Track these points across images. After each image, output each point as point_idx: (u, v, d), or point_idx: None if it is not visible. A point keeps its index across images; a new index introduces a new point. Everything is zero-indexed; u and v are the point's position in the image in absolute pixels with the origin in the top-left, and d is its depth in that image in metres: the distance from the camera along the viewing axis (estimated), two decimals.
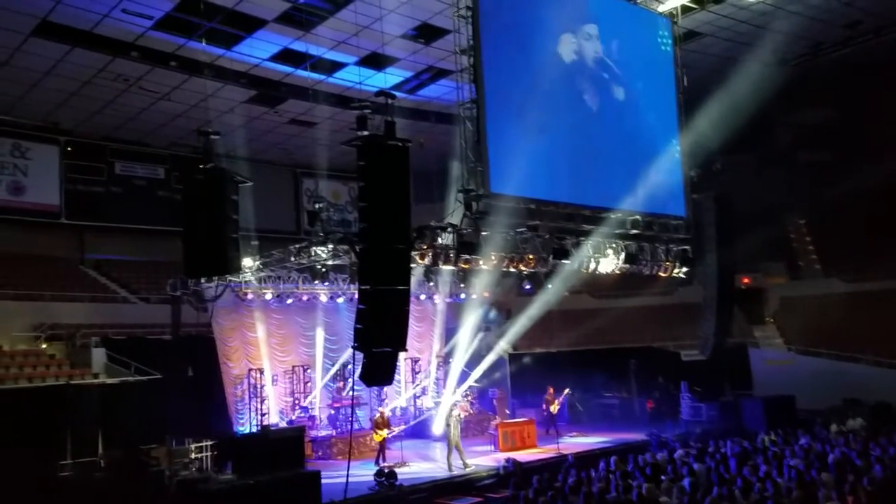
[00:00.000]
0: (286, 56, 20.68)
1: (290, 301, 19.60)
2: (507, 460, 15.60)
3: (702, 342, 19.54)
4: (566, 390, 20.74)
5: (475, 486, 15.06)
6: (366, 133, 12.31)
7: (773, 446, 15.24)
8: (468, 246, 14.60)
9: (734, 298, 20.07)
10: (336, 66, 21.52)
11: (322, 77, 22.02)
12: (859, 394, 20.48)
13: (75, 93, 22.06)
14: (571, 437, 19.93)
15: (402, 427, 19.08)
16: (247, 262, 17.04)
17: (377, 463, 16.26)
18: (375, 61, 21.04)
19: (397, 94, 20.53)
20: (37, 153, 24.77)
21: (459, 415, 17.24)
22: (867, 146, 25.29)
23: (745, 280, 25.43)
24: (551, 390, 20.67)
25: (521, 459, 15.87)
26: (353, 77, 21.90)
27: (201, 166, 13.18)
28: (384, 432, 17.11)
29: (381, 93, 12.65)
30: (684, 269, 19.13)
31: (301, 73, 21.54)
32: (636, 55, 18.53)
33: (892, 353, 21.59)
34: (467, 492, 14.74)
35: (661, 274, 18.96)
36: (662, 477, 12.22)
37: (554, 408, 20.25)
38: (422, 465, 17.16)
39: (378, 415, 17.99)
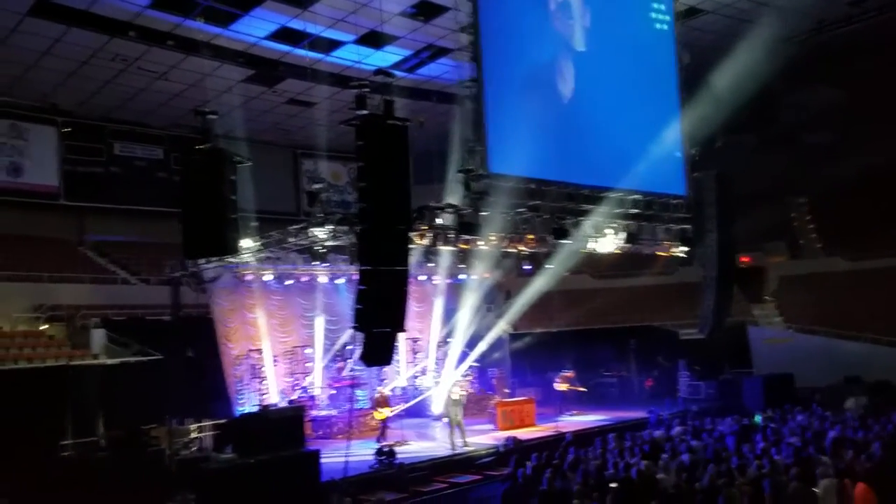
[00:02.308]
0: (284, 34, 20.52)
1: (289, 282, 19.61)
2: (508, 439, 15.67)
3: (701, 321, 19.56)
4: (581, 387, 20.89)
5: (474, 463, 15.16)
6: (365, 112, 12.22)
7: (771, 423, 15.33)
8: (468, 226, 14.56)
9: (734, 277, 20.06)
10: (334, 45, 21.35)
11: (320, 56, 21.86)
12: (859, 372, 20.53)
13: (73, 73, 21.92)
14: (571, 415, 20.02)
15: (403, 406, 19.17)
16: (246, 243, 16.99)
17: (378, 441, 16.34)
18: (374, 40, 20.85)
19: (397, 72, 20.45)
20: (35, 134, 24.65)
21: (461, 394, 17.31)
22: (869, 125, 25.12)
23: (745, 259, 25.39)
24: (570, 373, 20.81)
25: (520, 438, 15.94)
26: (352, 56, 21.76)
27: (199, 147, 13.10)
28: (385, 411, 17.19)
29: (379, 71, 12.61)
30: (684, 249, 19.11)
31: (299, 51, 21.37)
32: (639, 33, 18.38)
33: (892, 331, 21.61)
34: (466, 469, 14.84)
35: (661, 253, 18.96)
36: (662, 455, 12.29)
37: (561, 387, 20.36)
38: (422, 443, 17.26)
39: (378, 394, 18.08)
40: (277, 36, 20.60)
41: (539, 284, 21.41)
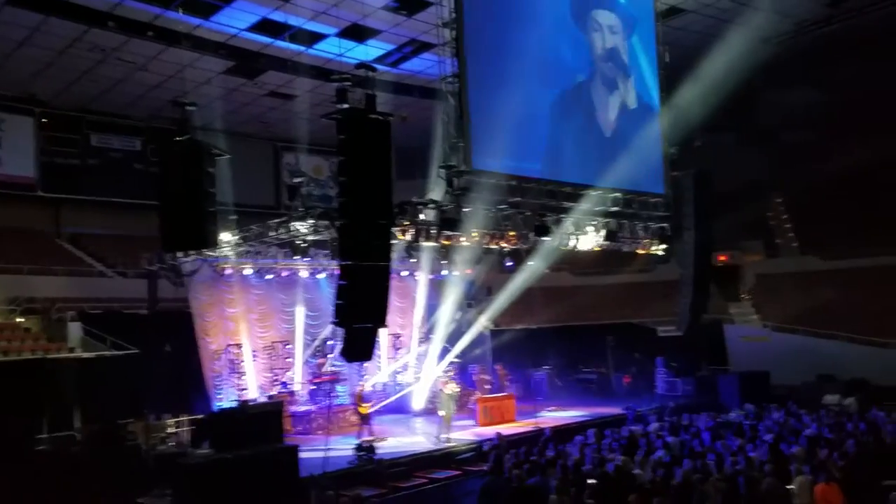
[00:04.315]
0: (265, 26, 20.37)
1: (269, 276, 19.50)
2: (495, 435, 15.68)
3: (679, 319, 19.73)
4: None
5: (454, 459, 15.18)
6: (346, 106, 12.16)
7: (747, 420, 15.52)
8: (450, 222, 14.57)
9: (711, 276, 20.26)
10: (316, 38, 21.25)
11: (302, 49, 21.73)
12: (833, 370, 20.82)
13: (51, 63, 21.64)
14: (549, 411, 20.12)
15: (383, 403, 19.20)
16: (225, 236, 16.89)
17: (359, 437, 16.32)
18: (356, 33, 20.80)
19: (379, 67, 20.37)
20: (11, 124, 24.34)
21: (455, 390, 17.32)
22: (847, 125, 25.47)
23: (722, 257, 25.65)
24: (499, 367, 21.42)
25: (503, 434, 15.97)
26: (334, 49, 21.65)
27: (177, 139, 12.97)
28: (368, 405, 17.21)
29: (361, 65, 12.51)
30: (662, 247, 19.26)
31: (280, 44, 21.26)
32: (620, 31, 18.47)
33: (867, 330, 21.92)
34: (446, 465, 14.85)
35: (640, 251, 19.10)
36: (638, 451, 12.41)
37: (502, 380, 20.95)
38: (402, 439, 17.25)
39: (360, 388, 18.12)
40: (258, 28, 20.45)
41: (520, 281, 21.49)
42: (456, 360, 22.22)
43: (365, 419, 17.04)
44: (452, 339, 22.24)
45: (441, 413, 16.63)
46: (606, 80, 18.00)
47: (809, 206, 27.17)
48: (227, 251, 17.62)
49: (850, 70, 24.74)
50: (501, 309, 23.41)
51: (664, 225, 19.06)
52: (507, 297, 22.24)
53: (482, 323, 24.17)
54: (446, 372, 21.18)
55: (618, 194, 17.71)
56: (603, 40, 17.83)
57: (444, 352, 21.84)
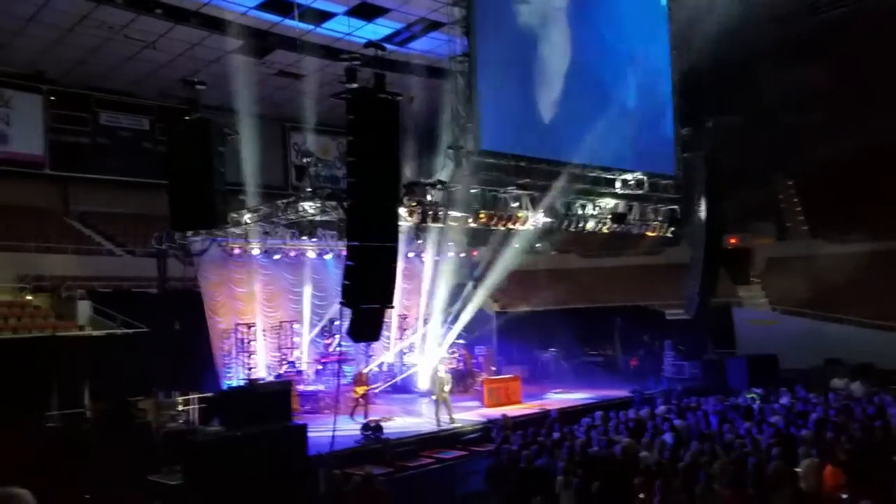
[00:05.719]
0: (273, 4, 20.24)
1: (277, 257, 19.53)
2: (501, 416, 15.74)
3: (687, 301, 19.67)
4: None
5: (460, 439, 15.25)
6: (355, 86, 12.08)
7: (754, 403, 15.51)
8: (457, 203, 14.51)
9: (720, 258, 20.15)
10: (324, 16, 21.09)
11: (310, 27, 21.58)
12: (842, 354, 20.76)
13: (59, 41, 21.56)
14: (556, 393, 20.15)
15: (382, 386, 19.28)
16: (234, 216, 16.89)
17: (351, 416, 16.41)
18: (365, 11, 20.63)
19: (388, 46, 20.20)
20: (19, 102, 24.27)
21: (446, 371, 17.36)
22: (857, 108, 25.17)
23: (732, 240, 25.52)
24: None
25: (509, 415, 16.01)
26: (343, 28, 21.51)
27: (187, 117, 12.93)
28: (364, 388, 17.30)
29: (370, 44, 12.40)
30: (672, 229, 19.15)
31: (289, 22, 21.10)
32: (633, 11, 18.27)
33: (876, 314, 21.82)
34: (452, 445, 14.93)
35: (649, 233, 18.99)
36: (645, 433, 12.42)
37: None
38: (408, 419, 17.33)
39: (359, 371, 18.24)
40: (267, 6, 20.30)
41: (527, 263, 21.46)
42: (461, 341, 22.28)
43: (362, 399, 17.12)
44: (458, 320, 22.27)
45: (432, 396, 16.66)
46: (615, 60, 17.80)
47: (820, 190, 26.96)
48: (235, 231, 17.64)
49: (863, 51, 24.39)
50: (507, 290, 23.42)
51: (674, 207, 18.94)
52: (514, 278, 22.24)
53: (488, 304, 24.18)
54: (450, 353, 21.27)
55: (627, 175, 17.58)
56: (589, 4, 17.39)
57: (449, 332, 21.89)
